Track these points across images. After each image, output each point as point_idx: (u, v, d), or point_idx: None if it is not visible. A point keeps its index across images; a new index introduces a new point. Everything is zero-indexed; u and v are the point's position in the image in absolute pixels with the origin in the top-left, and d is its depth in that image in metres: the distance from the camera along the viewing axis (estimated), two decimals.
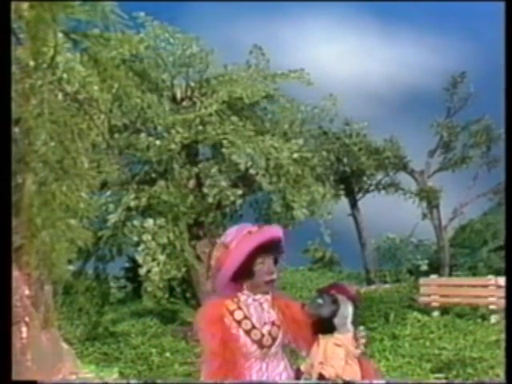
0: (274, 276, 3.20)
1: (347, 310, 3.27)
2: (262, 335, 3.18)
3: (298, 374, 3.27)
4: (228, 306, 3.19)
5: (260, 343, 3.17)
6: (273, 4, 22.64)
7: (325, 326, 3.23)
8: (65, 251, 7.14)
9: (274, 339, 3.20)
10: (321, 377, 3.15)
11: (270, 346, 3.19)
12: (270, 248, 3.19)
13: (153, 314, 14.69)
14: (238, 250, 3.16)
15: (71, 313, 12.76)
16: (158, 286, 11.41)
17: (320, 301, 3.24)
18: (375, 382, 3.40)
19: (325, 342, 3.22)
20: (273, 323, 3.22)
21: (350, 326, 3.27)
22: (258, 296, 3.21)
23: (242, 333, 3.16)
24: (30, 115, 6.81)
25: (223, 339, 3.11)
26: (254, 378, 3.16)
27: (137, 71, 11.79)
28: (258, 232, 3.23)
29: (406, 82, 24.25)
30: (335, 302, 3.23)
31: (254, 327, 3.17)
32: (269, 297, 3.24)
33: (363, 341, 3.27)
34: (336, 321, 3.23)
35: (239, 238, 3.20)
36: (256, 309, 3.21)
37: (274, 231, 3.27)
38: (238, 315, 3.18)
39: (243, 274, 3.17)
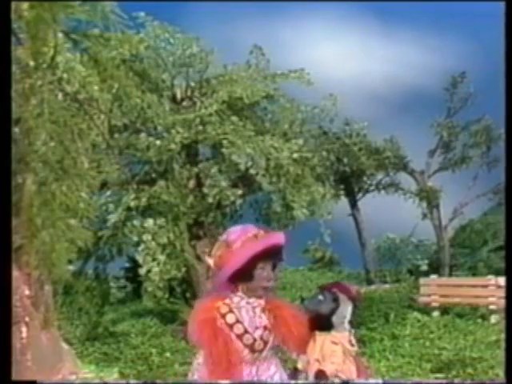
0: (272, 283, 3.17)
1: (346, 309, 3.27)
2: (254, 340, 3.16)
3: (296, 373, 3.27)
4: (220, 309, 3.16)
5: (252, 348, 3.15)
6: (273, 4, 22.64)
7: (323, 322, 3.24)
8: (65, 251, 7.13)
9: (265, 343, 3.18)
10: (320, 372, 3.15)
11: (261, 351, 3.17)
12: (271, 254, 3.17)
13: (153, 314, 14.69)
14: (242, 251, 3.11)
15: (71, 313, 12.75)
16: (158, 285, 11.42)
17: (321, 297, 3.25)
18: (373, 381, 3.41)
19: (322, 339, 3.22)
20: (264, 327, 3.19)
21: (347, 325, 3.28)
22: (252, 299, 3.18)
23: (233, 337, 3.13)
24: (30, 115, 6.81)
25: (223, 339, 3.10)
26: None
27: (137, 71, 11.79)
28: (264, 237, 3.20)
29: (406, 82, 24.25)
30: (336, 300, 3.24)
31: (246, 332, 3.15)
32: (262, 301, 3.22)
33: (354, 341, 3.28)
34: (334, 319, 3.23)
35: (244, 240, 3.15)
36: (248, 312, 3.18)
37: (279, 238, 3.24)
38: (230, 319, 3.15)
39: (243, 277, 3.14)
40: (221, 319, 3.14)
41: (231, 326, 3.14)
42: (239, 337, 3.14)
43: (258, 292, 3.18)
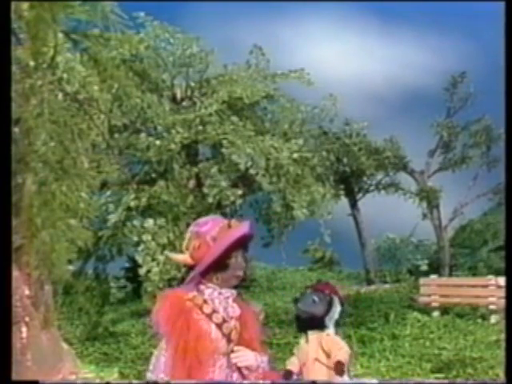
0: (242, 272, 3.18)
1: (337, 310, 3.31)
2: (231, 329, 3.14)
3: (288, 375, 3.25)
4: (194, 300, 3.12)
5: (229, 337, 3.13)
6: (273, 4, 22.63)
7: (316, 323, 3.25)
8: (65, 251, 7.13)
9: (238, 334, 3.17)
10: (339, 363, 3.14)
11: (234, 341, 3.16)
12: (244, 243, 3.18)
13: None
14: (220, 241, 3.11)
15: (71, 313, 12.77)
16: (158, 286, 11.40)
17: (315, 298, 3.25)
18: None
19: (315, 338, 3.22)
20: (236, 318, 3.19)
21: (332, 325, 3.31)
22: (224, 290, 3.17)
23: (213, 327, 3.10)
24: (30, 115, 6.82)
25: (197, 336, 3.06)
26: (216, 374, 3.10)
27: (137, 71, 11.80)
28: (237, 225, 3.20)
29: (406, 82, 24.25)
30: (330, 302, 3.26)
31: (224, 321, 3.13)
32: (234, 291, 3.20)
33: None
34: (327, 319, 3.25)
35: (218, 230, 3.15)
36: (221, 303, 3.16)
37: (250, 227, 3.24)
38: (207, 309, 3.12)
39: (218, 267, 3.13)
40: (197, 309, 3.11)
41: (210, 316, 3.11)
42: (219, 326, 3.11)
43: (231, 281, 3.17)
